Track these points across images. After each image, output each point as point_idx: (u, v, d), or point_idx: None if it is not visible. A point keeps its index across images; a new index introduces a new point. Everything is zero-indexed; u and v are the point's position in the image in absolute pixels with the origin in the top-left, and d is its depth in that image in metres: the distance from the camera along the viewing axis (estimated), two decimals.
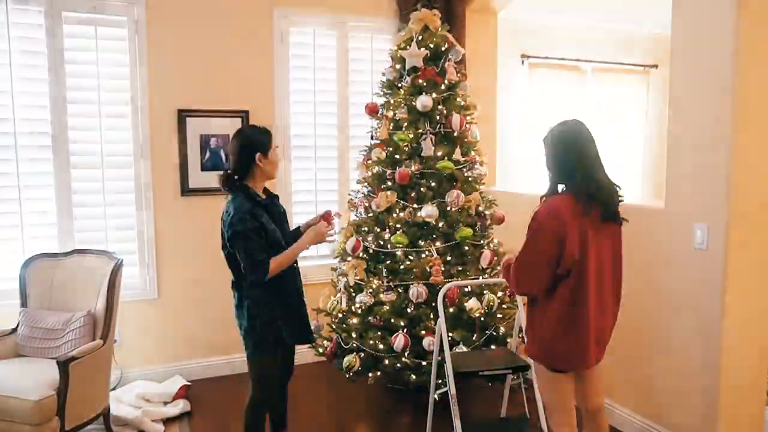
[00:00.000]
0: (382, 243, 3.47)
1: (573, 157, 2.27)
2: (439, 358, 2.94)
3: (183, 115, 3.99)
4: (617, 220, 2.35)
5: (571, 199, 2.22)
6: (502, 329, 3.43)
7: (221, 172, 2.66)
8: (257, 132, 2.67)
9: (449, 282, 3.16)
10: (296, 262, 2.77)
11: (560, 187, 2.34)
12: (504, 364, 2.90)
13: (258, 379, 2.72)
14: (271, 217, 2.66)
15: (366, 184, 3.69)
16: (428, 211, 3.37)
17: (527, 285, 2.30)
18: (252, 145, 2.60)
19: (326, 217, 2.84)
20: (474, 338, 3.35)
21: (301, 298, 2.81)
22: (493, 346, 3.37)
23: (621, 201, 2.35)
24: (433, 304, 3.33)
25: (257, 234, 2.52)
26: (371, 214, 3.57)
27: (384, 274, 3.42)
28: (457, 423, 2.71)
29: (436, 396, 3.12)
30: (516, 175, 5.30)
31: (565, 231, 2.16)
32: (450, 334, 3.26)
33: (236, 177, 2.61)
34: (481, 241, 3.52)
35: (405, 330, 3.31)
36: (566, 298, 2.22)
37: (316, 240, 2.74)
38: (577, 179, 2.24)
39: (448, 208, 3.43)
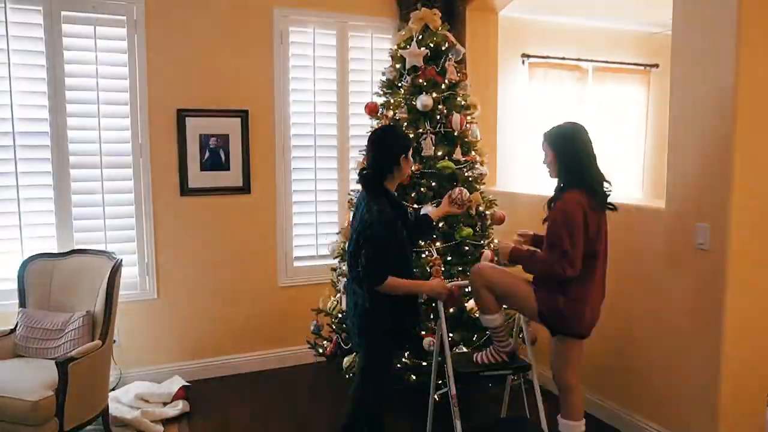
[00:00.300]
0: None
1: (578, 156, 2.60)
2: (440, 358, 2.94)
3: (182, 114, 3.99)
4: (610, 208, 2.64)
5: (583, 193, 2.54)
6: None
7: (363, 171, 2.65)
8: (401, 133, 2.79)
9: (449, 282, 3.16)
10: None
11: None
12: (504, 365, 2.90)
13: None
14: (404, 224, 2.68)
15: None
16: (428, 211, 3.36)
17: (574, 266, 2.49)
18: (398, 145, 2.63)
19: (454, 290, 2.83)
20: (474, 338, 3.35)
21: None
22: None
23: (610, 192, 2.64)
24: (434, 305, 3.33)
25: (389, 244, 2.52)
26: None
27: None
28: (457, 424, 2.71)
29: (436, 397, 3.12)
30: (516, 175, 5.30)
31: (587, 219, 2.50)
32: (450, 335, 3.26)
33: (378, 178, 2.61)
34: (482, 241, 3.52)
35: None
36: (590, 275, 2.56)
37: (436, 294, 2.74)
38: (585, 177, 2.58)
39: None
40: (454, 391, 2.72)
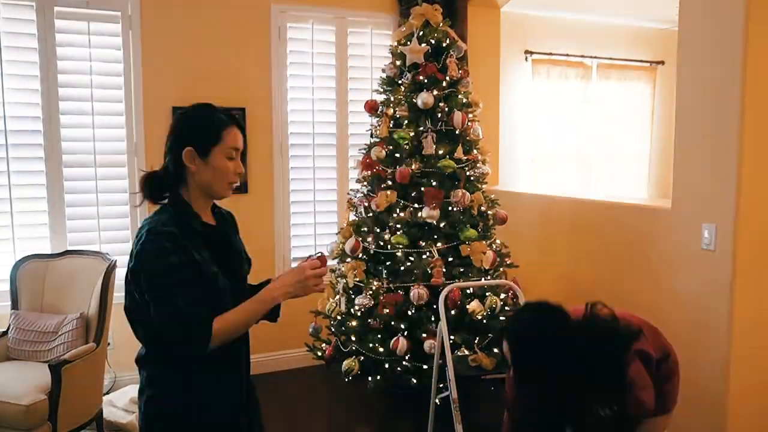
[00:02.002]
0: (382, 244, 3.47)
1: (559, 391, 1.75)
2: (440, 361, 2.94)
3: (178, 112, 3.98)
4: None
5: None
6: None
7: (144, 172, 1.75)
8: (198, 114, 1.80)
9: (450, 283, 3.16)
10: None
11: None
12: (506, 369, 2.88)
13: None
14: (215, 252, 1.69)
15: (365, 183, 3.69)
16: (429, 211, 3.37)
17: None
18: (184, 134, 1.74)
19: (320, 258, 1.86)
20: (477, 341, 3.35)
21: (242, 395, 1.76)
22: (495, 350, 3.37)
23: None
24: (435, 307, 3.33)
25: (189, 275, 1.56)
26: (371, 214, 3.57)
27: (384, 276, 3.42)
28: (458, 428, 2.71)
29: (437, 401, 3.12)
30: (519, 174, 5.30)
31: None
32: (452, 337, 3.26)
33: (164, 180, 1.70)
34: (484, 242, 3.52)
35: (405, 333, 3.31)
36: None
37: (295, 285, 1.78)
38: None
39: (451, 208, 3.43)
40: (455, 395, 2.72)
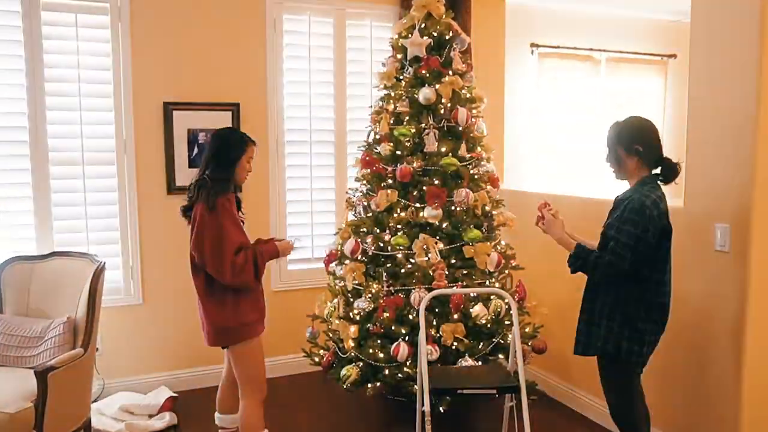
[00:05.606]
0: (381, 245, 3.47)
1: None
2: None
3: (169, 108, 4.00)
4: None
5: None
6: (510, 337, 3.43)
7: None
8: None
9: (451, 288, 3.16)
10: None
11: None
12: (489, 383, 2.83)
13: None
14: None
15: (365, 181, 3.69)
16: (431, 212, 3.37)
17: None
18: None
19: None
20: (480, 346, 3.35)
21: None
22: (500, 356, 3.37)
23: None
24: (437, 310, 3.34)
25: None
26: (370, 214, 3.57)
27: (384, 278, 3.42)
28: None
29: (441, 408, 3.12)
30: (525, 173, 5.30)
31: None
32: (454, 344, 3.26)
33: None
34: (488, 243, 3.52)
35: (407, 338, 3.30)
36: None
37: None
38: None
39: (454, 208, 3.43)
40: (428, 408, 2.63)
